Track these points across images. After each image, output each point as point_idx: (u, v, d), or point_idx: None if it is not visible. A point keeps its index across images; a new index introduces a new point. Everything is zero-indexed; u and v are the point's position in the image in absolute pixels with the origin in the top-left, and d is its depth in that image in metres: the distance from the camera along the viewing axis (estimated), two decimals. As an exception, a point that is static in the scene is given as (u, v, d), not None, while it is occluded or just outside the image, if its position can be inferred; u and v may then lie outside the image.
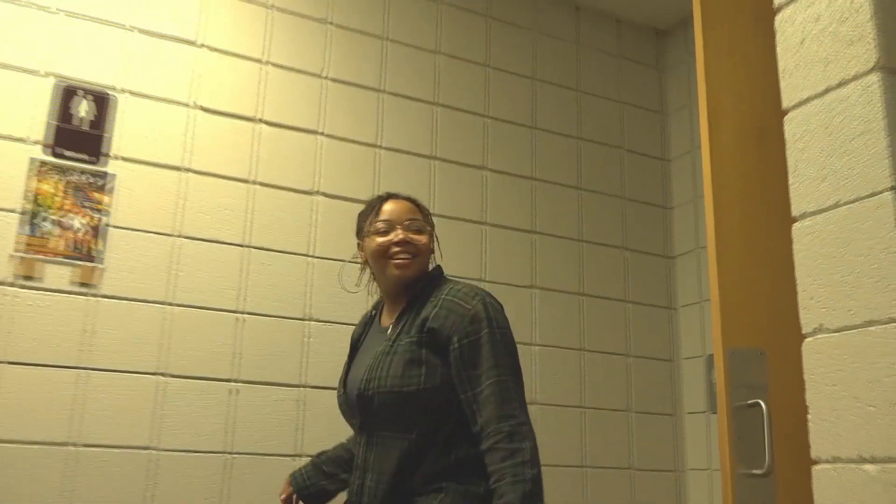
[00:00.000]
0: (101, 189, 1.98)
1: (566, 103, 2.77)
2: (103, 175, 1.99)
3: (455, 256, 2.34)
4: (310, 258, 2.23)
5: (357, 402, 1.55)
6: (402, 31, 2.52)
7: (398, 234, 1.61)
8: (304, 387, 2.16)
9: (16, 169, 1.90)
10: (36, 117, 1.95)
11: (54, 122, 1.96)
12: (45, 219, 1.90)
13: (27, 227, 1.88)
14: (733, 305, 1.43)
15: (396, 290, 1.65)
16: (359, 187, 2.33)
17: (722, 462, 1.43)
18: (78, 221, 1.94)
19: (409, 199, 1.69)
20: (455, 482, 1.47)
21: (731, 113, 1.48)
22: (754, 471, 1.36)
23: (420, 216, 1.66)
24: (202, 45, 2.21)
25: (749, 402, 1.39)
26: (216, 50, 2.23)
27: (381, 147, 2.41)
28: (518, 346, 1.55)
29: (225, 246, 2.12)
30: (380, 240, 1.62)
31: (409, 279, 1.62)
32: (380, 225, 1.63)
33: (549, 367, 2.52)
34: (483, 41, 2.66)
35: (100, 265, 1.94)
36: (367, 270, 1.69)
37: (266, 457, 2.08)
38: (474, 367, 1.48)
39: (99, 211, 1.97)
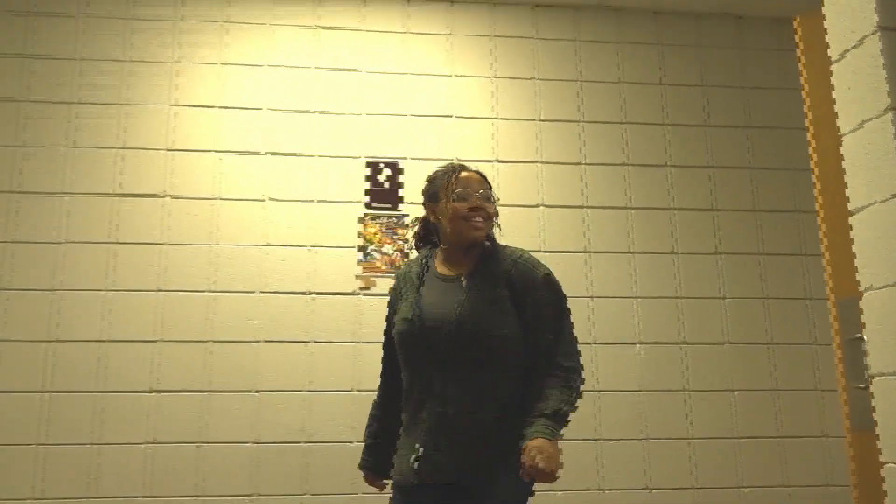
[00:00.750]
0: (401, 225, 2.96)
1: (733, 98, 3.26)
2: (401, 216, 2.97)
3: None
4: (543, 253, 3.04)
5: (445, 336, 1.70)
6: (593, 72, 3.20)
7: (475, 202, 1.81)
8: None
9: (351, 220, 2.95)
10: (358, 185, 2.99)
11: (369, 187, 2.98)
12: (371, 250, 2.93)
13: (362, 256, 2.92)
14: (838, 265, 1.95)
15: (465, 248, 1.82)
16: (570, 197, 3.08)
17: (839, 380, 1.96)
18: (390, 248, 2.94)
19: (478, 171, 1.89)
20: (521, 416, 1.70)
21: (830, 120, 1.99)
22: (860, 385, 1.88)
23: (488, 186, 1.87)
24: (450, 116, 3.11)
25: (853, 336, 1.91)
26: (461, 117, 3.11)
27: (585, 164, 3.13)
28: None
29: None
30: (461, 205, 1.80)
31: (481, 240, 1.82)
32: (459, 192, 1.81)
33: (698, 360, 3.06)
34: (657, 67, 3.26)
35: (407, 276, 2.94)
36: (415, 227, 1.94)
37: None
38: (543, 319, 1.75)
39: (402, 240, 2.95)
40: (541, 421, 1.63)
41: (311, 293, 2.88)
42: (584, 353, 2.98)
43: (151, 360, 2.76)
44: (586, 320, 2.99)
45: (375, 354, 2.81)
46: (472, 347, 1.70)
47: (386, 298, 2.70)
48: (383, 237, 2.95)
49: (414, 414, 1.74)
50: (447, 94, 3.12)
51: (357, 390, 2.83)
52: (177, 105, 2.98)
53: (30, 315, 2.73)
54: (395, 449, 1.82)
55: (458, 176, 1.84)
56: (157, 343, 2.76)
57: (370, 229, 2.95)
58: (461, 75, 3.14)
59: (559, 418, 1.64)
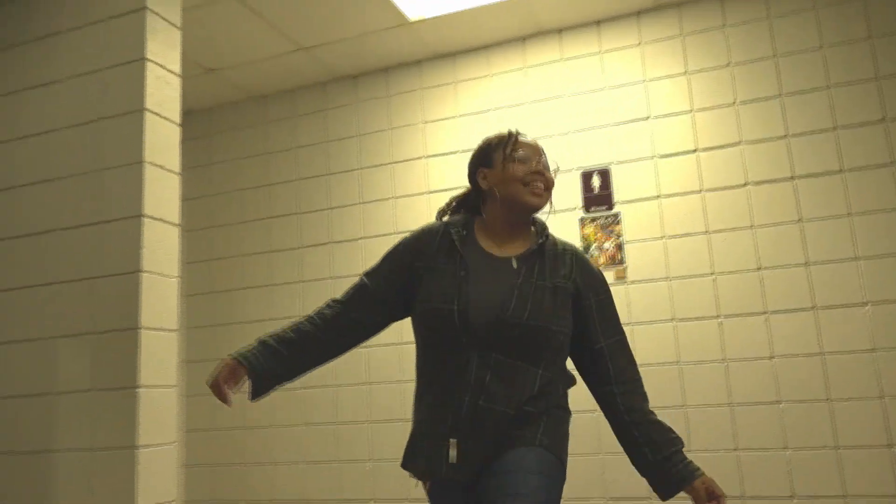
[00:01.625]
0: (615, 223, 3.38)
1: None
2: (615, 215, 3.40)
3: None
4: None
5: (490, 325, 1.58)
6: (789, 44, 3.27)
7: (536, 166, 1.70)
8: None
9: (573, 225, 3.46)
10: (575, 194, 3.49)
11: (583, 194, 3.47)
12: (593, 248, 3.40)
13: (586, 254, 3.41)
14: None
15: (518, 220, 1.71)
16: (776, 170, 3.18)
17: None
18: (608, 244, 3.38)
19: (535, 141, 1.77)
20: (557, 410, 1.65)
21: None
22: None
23: (547, 158, 1.76)
24: (650, 118, 3.44)
25: None
26: (659, 117, 3.42)
27: (790, 136, 3.21)
28: None
29: (705, 237, 3.27)
30: (520, 167, 1.68)
31: (538, 208, 1.70)
32: (520, 153, 1.69)
33: None
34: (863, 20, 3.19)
35: (623, 266, 3.35)
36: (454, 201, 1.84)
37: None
38: (608, 321, 1.69)
39: (618, 236, 3.37)
40: (685, 460, 1.62)
41: (546, 291, 3.48)
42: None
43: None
44: (806, 290, 3.08)
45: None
46: (522, 339, 1.59)
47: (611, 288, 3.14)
48: (601, 235, 3.40)
49: (439, 402, 1.61)
50: (645, 99, 3.46)
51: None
52: (427, 156, 3.82)
53: (350, 330, 3.77)
54: (282, 367, 1.62)
55: (517, 139, 1.74)
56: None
57: (588, 230, 3.42)
58: (655, 79, 3.46)
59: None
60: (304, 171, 4.07)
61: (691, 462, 1.62)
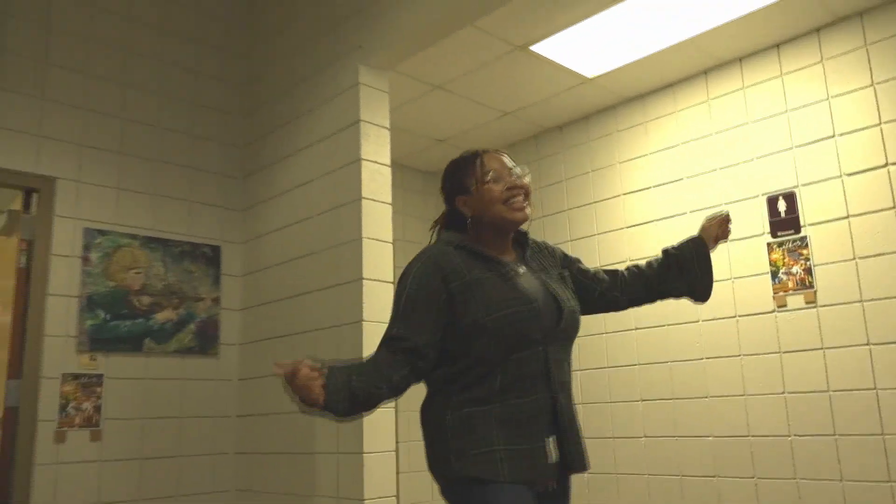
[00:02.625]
0: (804, 247, 3.36)
1: None
2: (803, 238, 3.38)
3: None
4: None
5: (559, 319, 1.69)
6: None
7: (511, 181, 1.74)
8: None
9: (761, 251, 3.51)
10: (762, 219, 3.53)
11: (769, 219, 3.50)
12: (781, 273, 3.42)
13: (774, 280, 3.44)
14: None
15: (505, 234, 1.79)
16: None
17: None
18: (796, 269, 3.37)
19: (500, 150, 1.83)
20: None
21: None
22: None
23: (515, 164, 1.81)
24: (835, 136, 3.35)
25: None
26: (846, 133, 3.31)
27: None
28: None
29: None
30: (496, 187, 1.72)
31: (526, 220, 1.77)
32: (491, 173, 1.73)
33: None
34: None
35: (813, 290, 3.31)
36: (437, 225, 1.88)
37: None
38: (586, 271, 1.94)
39: (807, 259, 3.35)
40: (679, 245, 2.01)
41: (736, 316, 3.57)
42: None
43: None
44: None
45: (794, 360, 3.31)
46: (571, 329, 1.74)
47: (799, 313, 3.21)
48: (788, 259, 3.40)
49: (519, 405, 1.62)
50: (828, 117, 3.38)
51: (784, 392, 3.35)
52: (626, 193, 4.14)
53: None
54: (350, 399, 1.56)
55: (483, 159, 1.77)
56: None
57: (776, 255, 3.44)
58: (839, 95, 3.36)
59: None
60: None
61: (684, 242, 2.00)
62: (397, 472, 4.49)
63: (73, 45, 3.60)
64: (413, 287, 1.68)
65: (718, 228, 2.00)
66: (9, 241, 3.51)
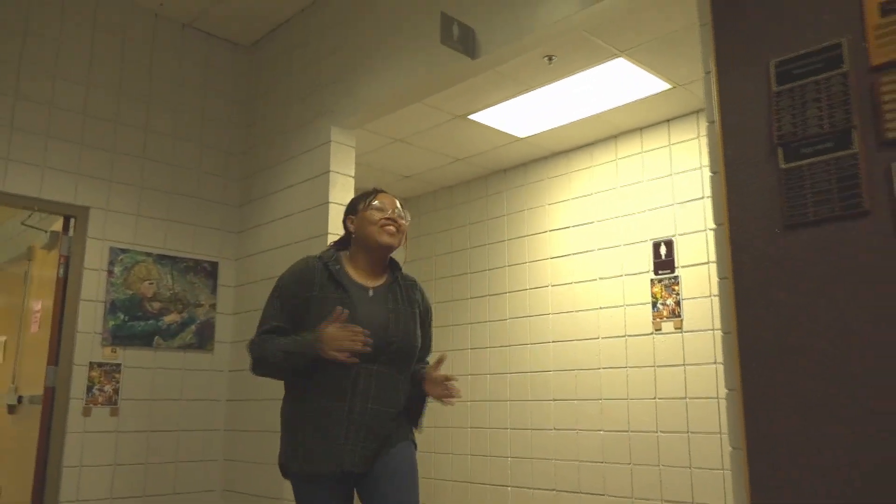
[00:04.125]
0: (676, 283, 4.26)
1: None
2: (676, 277, 4.27)
3: None
4: None
5: (382, 343, 2.02)
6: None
7: (390, 213, 2.13)
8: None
9: (645, 285, 4.41)
10: (648, 260, 4.42)
11: (653, 260, 4.39)
12: (659, 304, 4.32)
13: (654, 308, 4.33)
14: None
15: (377, 257, 2.14)
16: None
17: None
18: (670, 301, 4.27)
19: (393, 196, 2.24)
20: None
21: None
22: None
23: (403, 209, 2.21)
24: (706, 197, 4.24)
25: None
26: (709, 196, 4.20)
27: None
28: None
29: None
30: (376, 214, 2.12)
31: (393, 247, 2.12)
32: (376, 203, 2.14)
33: None
34: None
35: (680, 318, 4.21)
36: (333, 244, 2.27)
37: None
38: (428, 334, 2.28)
39: (677, 294, 4.24)
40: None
41: (625, 336, 4.47)
42: None
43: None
44: None
45: (664, 373, 4.21)
46: (398, 354, 2.08)
47: (669, 336, 4.11)
48: (665, 293, 4.31)
49: (330, 408, 1.99)
50: (701, 181, 4.27)
51: (657, 398, 4.25)
52: (551, 230, 5.05)
53: (501, 360, 5.20)
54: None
55: (377, 194, 2.21)
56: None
57: (656, 289, 4.35)
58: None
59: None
60: (473, 241, 5.58)
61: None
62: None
63: (107, 99, 4.51)
64: (277, 289, 2.18)
65: (439, 388, 2.14)
66: (51, 255, 4.43)
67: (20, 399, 4.45)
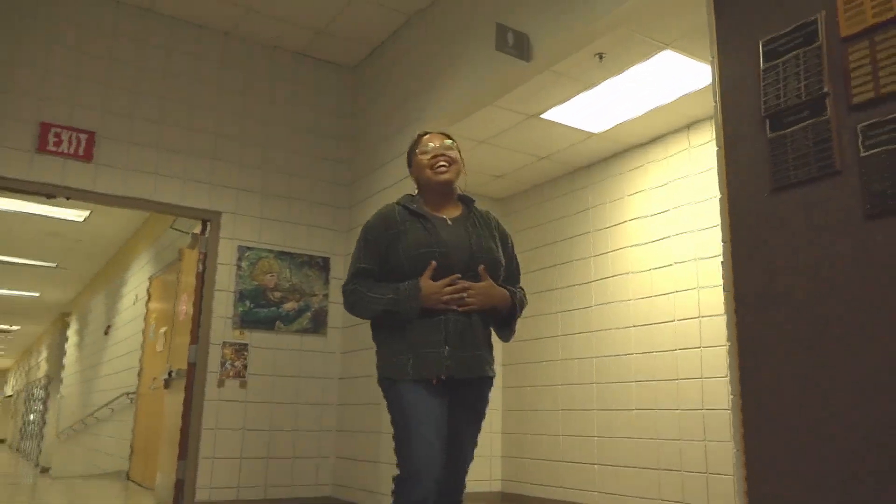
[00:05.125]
0: (745, 264, 4.39)
1: None
2: (745, 258, 4.41)
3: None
4: None
5: (468, 260, 2.15)
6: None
7: (436, 150, 2.22)
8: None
9: (716, 269, 4.57)
10: (718, 245, 4.58)
11: (724, 243, 4.54)
12: (730, 284, 4.46)
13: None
14: None
15: (443, 194, 2.24)
16: None
17: None
18: (739, 281, 4.40)
19: (441, 132, 2.33)
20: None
21: None
22: None
23: (450, 140, 2.28)
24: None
25: None
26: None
27: None
28: None
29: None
30: (424, 157, 2.22)
31: (451, 182, 2.21)
32: (422, 147, 2.26)
33: None
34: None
35: (747, 298, 4.33)
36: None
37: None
38: (512, 257, 2.36)
39: (747, 274, 4.37)
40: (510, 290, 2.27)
41: (699, 318, 4.64)
42: None
43: (635, 364, 5.07)
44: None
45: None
46: (487, 268, 2.18)
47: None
48: (734, 274, 4.44)
49: (426, 322, 2.12)
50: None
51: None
52: (631, 220, 5.30)
53: (588, 345, 5.49)
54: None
55: (421, 138, 2.32)
56: (638, 355, 5.05)
57: (726, 270, 4.49)
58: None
59: (519, 302, 2.30)
60: (561, 234, 5.92)
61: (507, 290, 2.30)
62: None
63: (233, 122, 5.35)
64: (364, 236, 2.29)
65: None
66: (192, 252, 5.32)
67: (171, 373, 5.35)
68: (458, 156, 2.27)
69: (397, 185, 5.02)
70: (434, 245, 2.13)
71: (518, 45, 3.96)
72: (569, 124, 4.94)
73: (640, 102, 4.57)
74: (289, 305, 5.34)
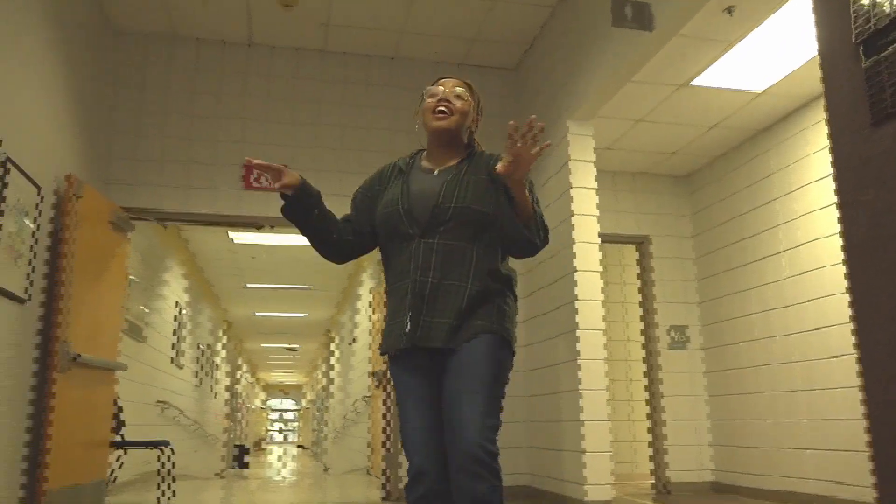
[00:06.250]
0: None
1: None
2: None
3: None
4: None
5: (429, 215, 1.89)
6: None
7: (442, 94, 2.01)
8: None
9: None
10: None
11: None
12: None
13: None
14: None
15: (440, 142, 2.02)
16: None
17: None
18: None
19: (459, 78, 2.08)
20: (500, 283, 1.92)
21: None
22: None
23: (464, 87, 2.04)
24: None
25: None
26: None
27: None
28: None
29: None
30: (430, 100, 2.02)
31: (445, 130, 1.98)
32: (430, 89, 2.05)
33: None
34: None
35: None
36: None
37: None
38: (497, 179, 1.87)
39: None
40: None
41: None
42: None
43: (837, 339, 4.56)
44: None
45: None
46: (454, 223, 1.89)
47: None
48: None
49: (399, 286, 1.92)
50: None
51: None
52: (813, 181, 4.78)
53: (786, 321, 5.04)
54: (317, 207, 2.01)
55: (436, 81, 2.10)
56: (840, 327, 4.54)
57: None
58: None
59: (535, 198, 1.91)
60: (746, 205, 5.51)
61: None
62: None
63: (412, 140, 5.82)
64: (363, 185, 2.18)
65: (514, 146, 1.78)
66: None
67: (376, 375, 5.92)
68: (468, 106, 2.05)
69: (557, 176, 5.10)
70: (400, 202, 1.96)
71: (638, 17, 3.87)
72: (726, 87, 4.65)
73: (793, 54, 4.17)
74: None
